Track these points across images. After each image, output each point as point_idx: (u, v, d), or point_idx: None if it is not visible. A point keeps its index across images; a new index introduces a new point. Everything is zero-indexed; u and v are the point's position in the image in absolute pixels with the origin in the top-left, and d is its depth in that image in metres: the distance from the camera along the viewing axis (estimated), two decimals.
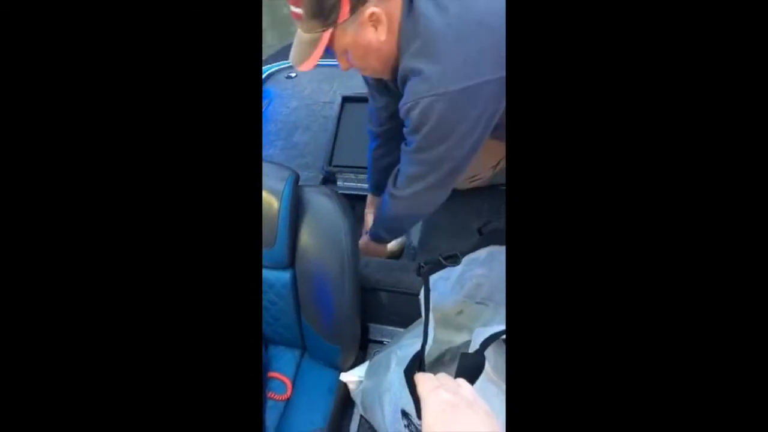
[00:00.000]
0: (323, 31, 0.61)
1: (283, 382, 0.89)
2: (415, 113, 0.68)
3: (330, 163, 1.20)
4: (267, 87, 1.53)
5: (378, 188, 1.11)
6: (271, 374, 0.90)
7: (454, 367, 0.51)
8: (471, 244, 0.72)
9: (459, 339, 0.83)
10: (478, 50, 0.63)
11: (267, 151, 1.31)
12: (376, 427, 0.82)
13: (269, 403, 0.85)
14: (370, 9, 0.62)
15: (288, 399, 0.87)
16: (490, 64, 0.63)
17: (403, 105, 0.69)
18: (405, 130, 0.74)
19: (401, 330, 1.05)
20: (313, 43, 0.62)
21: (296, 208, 0.74)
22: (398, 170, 0.84)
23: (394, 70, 0.72)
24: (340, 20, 0.61)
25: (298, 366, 0.92)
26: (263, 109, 1.44)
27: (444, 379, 0.41)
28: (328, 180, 1.23)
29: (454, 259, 0.64)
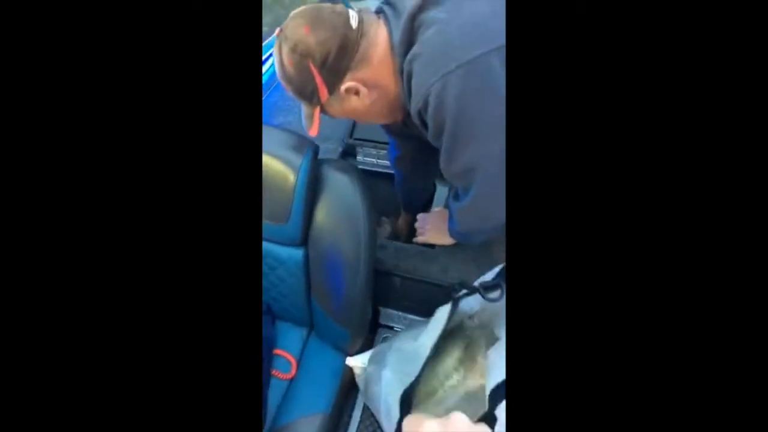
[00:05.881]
0: (314, 108, 0.67)
1: (288, 361, 0.86)
2: (430, 108, 0.59)
3: (351, 135, 1.14)
4: None
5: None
6: (277, 351, 0.87)
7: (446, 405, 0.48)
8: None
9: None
10: (481, 15, 0.56)
11: (285, 119, 1.25)
12: (377, 417, 0.79)
13: (273, 381, 0.83)
14: (345, 85, 0.63)
15: (292, 378, 0.85)
16: (495, 30, 0.55)
17: (415, 107, 0.61)
18: (429, 136, 0.65)
19: (412, 316, 1.02)
20: (310, 116, 0.68)
21: (314, 184, 0.70)
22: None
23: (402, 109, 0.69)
24: (323, 100, 0.65)
25: (305, 345, 0.89)
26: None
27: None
28: (348, 153, 1.17)
29: (493, 290, 0.60)
